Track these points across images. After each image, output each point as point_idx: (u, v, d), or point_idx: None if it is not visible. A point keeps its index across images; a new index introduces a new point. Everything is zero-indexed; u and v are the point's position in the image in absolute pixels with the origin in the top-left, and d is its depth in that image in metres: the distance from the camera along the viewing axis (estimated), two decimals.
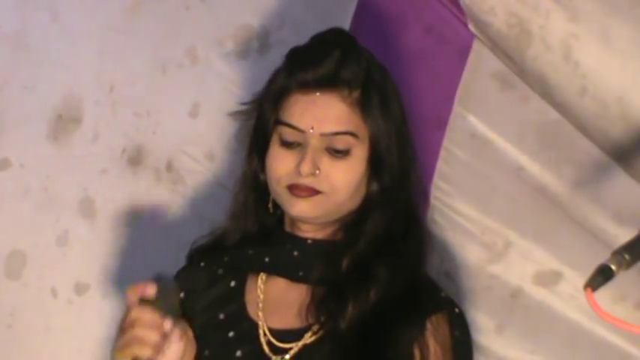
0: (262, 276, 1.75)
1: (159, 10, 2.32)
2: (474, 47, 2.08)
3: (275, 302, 1.74)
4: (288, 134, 1.69)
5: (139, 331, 1.60)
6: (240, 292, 1.76)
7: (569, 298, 1.99)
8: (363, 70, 1.69)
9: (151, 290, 1.62)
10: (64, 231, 2.37)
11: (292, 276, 1.73)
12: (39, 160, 2.38)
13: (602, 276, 1.27)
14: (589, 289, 1.26)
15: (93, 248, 2.36)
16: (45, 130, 2.38)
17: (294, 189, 1.68)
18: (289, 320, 1.72)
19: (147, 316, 1.61)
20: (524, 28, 1.98)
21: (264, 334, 1.70)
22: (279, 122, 1.70)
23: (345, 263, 1.69)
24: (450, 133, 2.09)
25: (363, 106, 1.68)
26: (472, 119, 2.09)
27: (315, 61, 1.68)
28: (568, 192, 2.02)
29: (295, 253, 1.72)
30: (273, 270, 1.74)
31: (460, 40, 2.08)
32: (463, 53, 2.08)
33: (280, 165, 1.69)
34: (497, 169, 2.08)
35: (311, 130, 1.67)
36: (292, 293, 1.73)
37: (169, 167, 2.31)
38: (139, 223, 2.34)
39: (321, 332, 1.68)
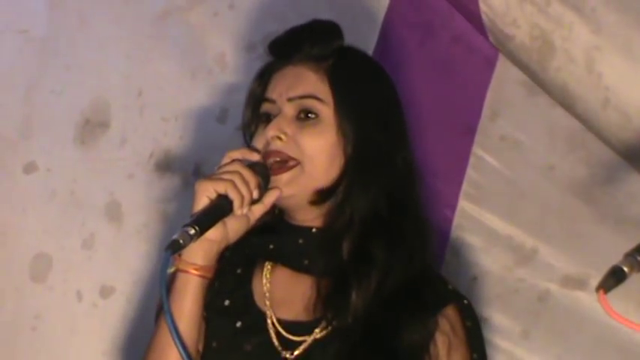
0: (268, 265, 1.83)
1: (188, 16, 2.49)
2: (501, 56, 2.25)
3: (281, 292, 1.81)
4: (265, 108, 1.83)
5: (237, 180, 1.72)
6: (246, 280, 1.83)
7: (596, 301, 2.13)
8: (335, 47, 1.84)
9: (255, 156, 1.78)
10: (90, 234, 2.51)
11: (297, 266, 1.81)
12: (65, 164, 2.52)
13: (614, 278, 1.34)
14: (601, 291, 1.33)
15: (119, 252, 2.50)
16: (72, 134, 2.52)
17: (267, 158, 1.78)
18: (297, 312, 1.79)
19: (247, 173, 1.73)
20: (547, 40, 2.11)
21: (273, 325, 1.78)
22: (259, 101, 1.85)
23: (345, 250, 1.78)
24: (479, 137, 2.24)
25: (331, 74, 1.81)
26: (501, 122, 2.24)
27: (291, 43, 1.85)
28: (599, 191, 2.16)
29: (300, 241, 1.81)
30: (277, 258, 1.82)
31: (487, 49, 2.24)
32: (490, 62, 2.24)
33: (259, 140, 1.81)
34: (527, 172, 2.22)
35: (280, 97, 1.81)
36: (298, 284, 1.81)
37: (197, 172, 2.46)
38: (165, 228, 2.47)
39: (329, 328, 1.76)
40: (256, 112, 1.86)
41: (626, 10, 2.08)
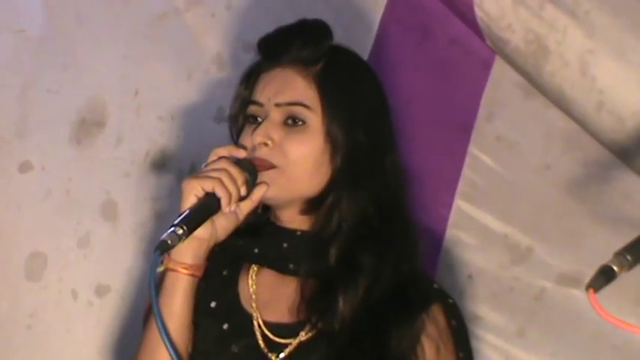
0: (254, 267, 1.87)
1: (185, 18, 2.54)
2: (497, 59, 2.31)
3: (267, 295, 1.85)
4: (252, 110, 1.86)
5: (224, 177, 1.75)
6: (232, 282, 1.87)
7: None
8: (324, 50, 1.86)
9: (241, 153, 1.81)
10: (85, 233, 2.54)
11: (282, 269, 1.84)
12: (61, 163, 2.56)
13: (604, 277, 1.36)
14: (591, 290, 1.35)
15: (114, 250, 2.55)
16: (67, 133, 2.56)
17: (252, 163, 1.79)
18: (283, 314, 1.83)
19: (234, 170, 1.77)
20: (542, 44, 2.16)
21: (259, 327, 1.82)
22: (248, 102, 1.87)
23: (332, 255, 1.80)
24: (476, 137, 2.30)
25: (320, 81, 1.83)
26: (497, 122, 2.30)
27: (279, 43, 1.87)
28: (595, 190, 2.21)
29: (285, 245, 1.84)
30: (262, 262, 1.86)
31: (483, 51, 2.30)
32: (487, 64, 2.30)
33: (245, 140, 1.84)
34: (523, 172, 2.28)
35: (268, 101, 1.83)
36: (284, 287, 1.84)
37: (193, 171, 2.46)
38: (161, 226, 2.54)
39: (315, 330, 1.80)
40: (243, 111, 1.89)
41: (620, 13, 2.13)
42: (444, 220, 2.33)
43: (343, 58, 1.91)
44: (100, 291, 2.55)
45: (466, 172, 2.32)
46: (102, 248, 2.56)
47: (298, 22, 1.92)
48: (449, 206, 2.33)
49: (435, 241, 2.30)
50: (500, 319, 2.29)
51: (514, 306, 2.28)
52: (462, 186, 2.33)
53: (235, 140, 1.89)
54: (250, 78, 1.90)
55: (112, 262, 2.56)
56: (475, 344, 2.26)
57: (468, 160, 2.32)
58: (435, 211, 2.33)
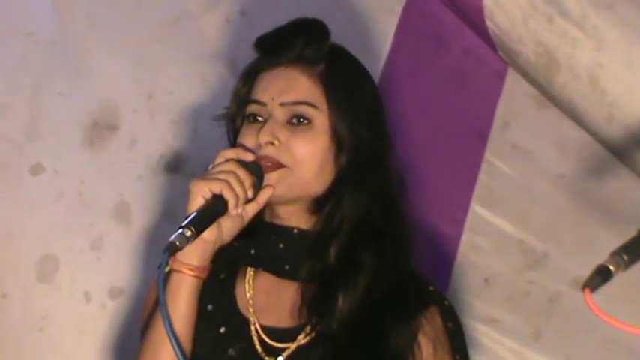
0: (250, 271, 1.87)
1: (199, 22, 2.59)
2: (510, 70, 2.37)
3: (265, 298, 1.85)
4: (253, 109, 1.84)
5: (232, 180, 1.76)
6: (229, 285, 1.87)
7: (606, 303, 2.26)
8: (327, 49, 1.85)
9: (249, 156, 1.81)
10: (98, 235, 2.59)
11: (278, 271, 1.83)
12: (73, 166, 2.61)
13: (600, 276, 1.37)
14: (587, 290, 1.35)
15: (128, 253, 2.59)
16: (80, 136, 2.61)
17: (258, 162, 1.78)
18: (280, 318, 1.83)
19: (241, 172, 1.77)
20: (552, 57, 2.22)
21: (256, 332, 1.82)
22: (247, 101, 1.86)
23: (332, 254, 1.80)
24: (491, 145, 2.37)
25: (325, 80, 1.82)
26: (512, 132, 2.37)
27: (281, 42, 1.86)
28: (608, 199, 2.28)
29: (281, 245, 1.83)
30: (259, 264, 1.85)
31: (497, 62, 2.37)
32: (500, 75, 2.37)
33: (247, 140, 1.83)
34: (538, 179, 2.35)
35: (272, 100, 1.81)
36: (282, 290, 1.84)
37: None
38: (174, 229, 2.59)
39: (313, 333, 1.79)
40: (241, 110, 1.89)
41: (627, 27, 2.18)
42: (461, 224, 2.39)
43: (343, 56, 1.92)
44: (113, 293, 2.59)
45: (482, 177, 2.39)
46: (115, 251, 2.60)
47: (297, 20, 1.91)
48: (465, 211, 2.39)
49: (452, 244, 2.36)
50: (515, 322, 2.36)
51: (529, 309, 2.35)
52: (478, 191, 2.39)
53: (232, 139, 1.92)
54: (249, 77, 1.91)
55: (125, 264, 2.60)
56: (491, 346, 2.34)
57: (484, 166, 2.38)
58: (452, 215, 2.38)
